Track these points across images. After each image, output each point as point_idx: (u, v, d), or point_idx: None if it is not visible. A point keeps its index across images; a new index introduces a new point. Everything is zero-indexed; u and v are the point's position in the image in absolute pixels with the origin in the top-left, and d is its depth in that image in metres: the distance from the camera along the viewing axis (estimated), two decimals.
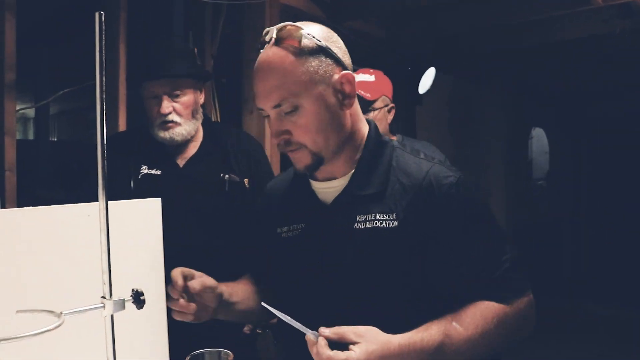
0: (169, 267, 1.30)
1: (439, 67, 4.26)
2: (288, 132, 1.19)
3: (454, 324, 1.13)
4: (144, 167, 1.90)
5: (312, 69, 1.17)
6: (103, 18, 0.84)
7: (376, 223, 1.20)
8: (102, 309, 0.85)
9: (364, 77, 2.32)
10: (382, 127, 2.28)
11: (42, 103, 2.88)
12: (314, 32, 1.20)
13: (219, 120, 2.76)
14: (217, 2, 2.80)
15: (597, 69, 5.36)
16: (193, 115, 1.92)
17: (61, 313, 0.79)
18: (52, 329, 0.75)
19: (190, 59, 2.00)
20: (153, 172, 1.90)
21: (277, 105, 1.17)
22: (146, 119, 1.93)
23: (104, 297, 0.85)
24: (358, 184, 1.24)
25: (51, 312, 0.80)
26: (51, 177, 4.03)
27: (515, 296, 1.19)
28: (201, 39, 2.86)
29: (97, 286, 0.86)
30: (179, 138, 1.88)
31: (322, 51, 1.19)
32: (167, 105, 1.85)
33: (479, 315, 1.15)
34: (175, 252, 1.39)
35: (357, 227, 1.21)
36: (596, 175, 7.57)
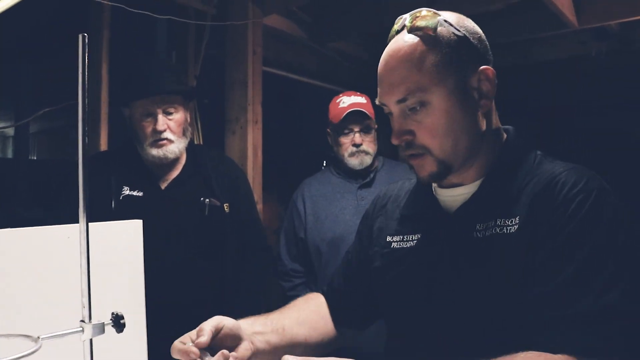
0: (149, 289, 1.29)
1: None
2: (411, 132, 1.05)
3: None
4: (125, 188, 1.89)
5: (446, 60, 1.03)
6: (87, 40, 0.84)
7: (496, 229, 1.02)
8: (81, 333, 0.83)
9: (357, 98, 2.34)
10: (373, 149, 2.34)
11: (22, 122, 2.85)
12: (451, 20, 1.06)
13: (201, 142, 2.76)
14: (199, 23, 2.81)
15: (575, 88, 5.45)
16: (183, 133, 1.93)
17: (38, 337, 0.78)
18: (29, 354, 0.74)
19: (180, 76, 2.01)
20: (135, 193, 1.89)
21: (402, 100, 1.04)
22: (133, 138, 1.92)
23: (83, 321, 0.84)
24: (489, 192, 1.07)
25: (28, 336, 0.78)
26: (30, 196, 3.98)
27: (576, 352, 0.88)
28: (184, 59, 2.87)
29: (76, 309, 0.85)
30: (171, 156, 1.88)
31: (459, 41, 1.05)
32: (162, 122, 1.85)
33: None
34: (155, 273, 1.38)
35: (476, 236, 1.04)
36: None
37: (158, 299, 1.39)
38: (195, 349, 0.98)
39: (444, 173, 1.07)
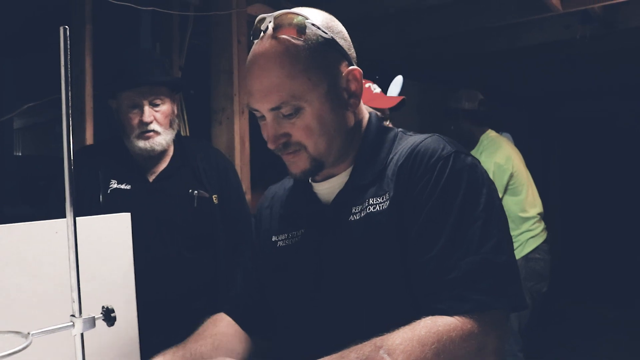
0: (139, 283, 1.28)
1: (406, 74, 4.30)
2: (287, 134, 1.07)
3: (380, 352, 0.92)
4: (113, 181, 1.88)
5: (316, 65, 1.04)
6: (68, 33, 0.82)
7: (369, 208, 1.08)
8: (72, 327, 0.83)
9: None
10: None
11: (6, 117, 2.82)
12: (317, 21, 1.06)
13: (187, 134, 2.74)
14: (184, 14, 2.78)
15: (560, 72, 5.48)
16: (170, 125, 1.91)
17: (29, 333, 0.77)
18: (20, 351, 0.73)
19: (166, 68, 2.00)
20: (122, 186, 1.88)
21: (276, 108, 1.04)
22: (120, 131, 1.91)
23: (73, 316, 0.83)
24: (359, 176, 1.12)
25: (18, 332, 0.78)
26: (16, 192, 3.95)
27: (467, 310, 0.95)
28: (168, 50, 2.84)
29: (66, 304, 0.84)
30: (159, 148, 1.87)
31: (327, 44, 1.06)
32: (149, 114, 1.84)
33: (416, 340, 0.92)
34: (145, 267, 1.37)
35: (352, 218, 1.09)
36: (565, 175, 7.70)
37: (149, 293, 1.38)
38: None
39: (317, 170, 1.11)
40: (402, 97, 2.30)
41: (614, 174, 7.06)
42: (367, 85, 2.32)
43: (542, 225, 3.16)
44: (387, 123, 2.29)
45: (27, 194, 3.89)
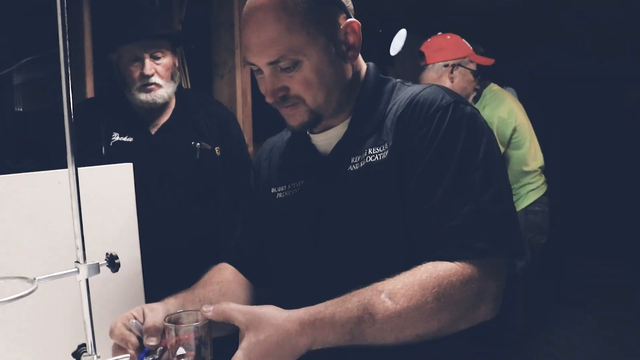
0: (143, 235, 1.29)
1: (409, 28, 4.24)
2: (285, 87, 1.06)
3: (382, 296, 0.94)
4: (115, 134, 1.88)
5: (314, 18, 1.03)
6: None
7: (368, 158, 1.08)
8: (77, 273, 0.84)
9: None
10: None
11: (5, 72, 2.79)
12: None
13: (189, 87, 2.72)
14: None
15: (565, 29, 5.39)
16: (172, 78, 1.91)
17: (34, 279, 0.78)
18: (26, 295, 0.74)
19: (167, 20, 1.97)
20: (125, 139, 1.88)
21: (274, 62, 1.03)
22: (121, 84, 1.90)
23: (77, 262, 0.84)
24: (357, 127, 1.12)
25: (24, 278, 0.79)
26: (18, 148, 3.94)
27: (467, 257, 0.97)
28: (169, 4, 2.79)
29: (71, 252, 0.85)
30: (160, 100, 1.86)
31: None
32: (150, 67, 1.83)
33: (417, 284, 0.94)
34: (148, 220, 1.38)
35: (351, 169, 1.09)
36: (566, 129, 7.66)
37: (151, 245, 1.40)
38: (135, 340, 0.98)
39: (315, 122, 1.11)
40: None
41: (615, 131, 7.03)
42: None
43: (542, 179, 3.16)
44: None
45: (28, 150, 3.88)
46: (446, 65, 2.61)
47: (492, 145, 1.05)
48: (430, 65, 2.64)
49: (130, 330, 1.00)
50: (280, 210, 1.20)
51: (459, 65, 2.63)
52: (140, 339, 1.00)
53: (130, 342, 0.97)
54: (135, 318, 1.03)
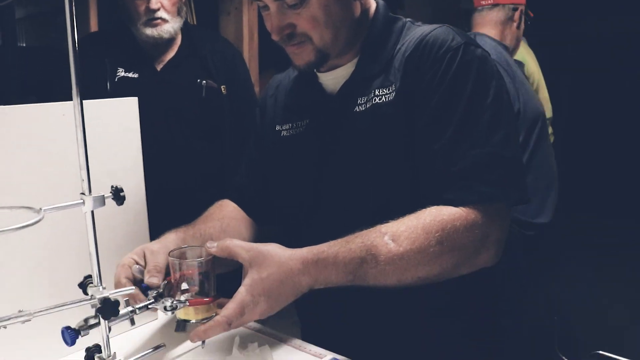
0: (148, 172, 1.28)
1: None
2: (292, 25, 1.05)
3: (385, 238, 0.94)
4: (120, 70, 1.86)
5: None
6: None
7: (375, 99, 1.06)
8: (82, 205, 0.84)
9: None
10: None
11: (4, 3, 2.74)
12: None
13: (194, 23, 2.67)
14: None
15: None
16: (178, 13, 1.87)
17: (40, 209, 0.78)
18: (32, 224, 0.74)
19: None
20: (130, 75, 1.86)
21: None
22: (126, 18, 1.86)
23: (83, 194, 0.84)
24: (365, 67, 1.10)
25: (30, 208, 0.79)
26: (22, 84, 3.91)
27: (472, 201, 0.96)
28: None
29: (76, 185, 0.85)
30: (166, 35, 1.83)
31: None
32: (156, 0, 1.79)
33: (421, 227, 0.94)
34: (153, 156, 1.37)
35: (358, 109, 1.08)
36: (575, 82, 7.56)
37: (157, 181, 1.40)
38: (142, 297, 0.97)
39: (321, 62, 1.09)
40: None
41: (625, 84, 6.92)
42: None
43: (550, 130, 3.13)
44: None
45: (32, 85, 3.85)
46: (515, 9, 2.30)
47: (501, 88, 1.04)
48: (498, 6, 2.32)
49: (134, 277, 1.01)
50: (285, 148, 1.20)
51: (524, 12, 2.35)
52: (142, 280, 1.01)
53: (139, 299, 0.96)
54: (137, 262, 1.03)
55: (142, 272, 1.02)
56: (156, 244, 1.08)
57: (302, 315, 1.29)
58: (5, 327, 0.77)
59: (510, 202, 1.03)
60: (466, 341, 1.13)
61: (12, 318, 0.78)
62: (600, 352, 1.64)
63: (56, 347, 0.99)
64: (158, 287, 0.98)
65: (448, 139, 0.99)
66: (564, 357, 1.72)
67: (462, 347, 1.13)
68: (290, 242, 0.98)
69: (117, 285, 1.00)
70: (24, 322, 0.78)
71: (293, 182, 1.19)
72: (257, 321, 1.17)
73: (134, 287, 0.96)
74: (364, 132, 1.07)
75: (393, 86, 1.05)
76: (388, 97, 1.05)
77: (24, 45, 5.56)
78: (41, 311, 0.80)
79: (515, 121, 1.08)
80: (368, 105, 1.07)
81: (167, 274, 1.01)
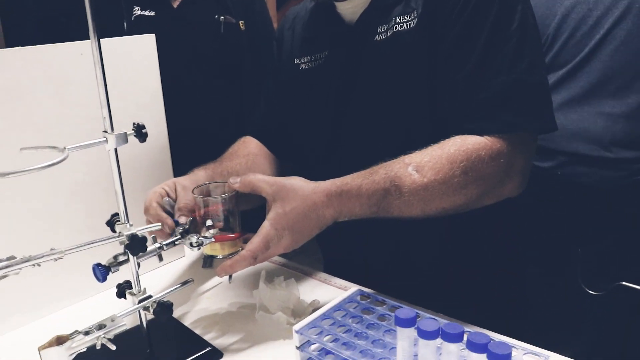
0: (168, 111, 1.28)
1: None
2: None
3: (409, 168, 0.93)
4: (136, 8, 1.82)
5: None
6: None
7: (396, 27, 1.03)
8: (105, 143, 0.84)
9: None
10: None
11: None
12: None
13: None
14: None
15: None
16: None
17: (65, 148, 0.78)
18: (58, 163, 0.75)
19: None
20: (146, 13, 1.82)
21: None
22: None
23: (105, 132, 0.84)
24: None
25: (54, 147, 0.79)
26: (38, 26, 3.89)
27: (497, 130, 0.94)
28: None
29: (98, 125, 0.85)
30: None
31: None
32: None
33: (445, 158, 0.93)
34: (173, 95, 1.36)
35: (378, 38, 1.05)
36: None
37: (177, 120, 1.39)
38: (171, 222, 0.98)
39: None
40: None
41: None
42: None
43: None
44: None
45: (48, 31, 3.83)
46: None
47: (527, 12, 0.99)
48: None
49: (164, 208, 1.02)
50: (304, 81, 1.18)
51: None
52: (171, 214, 1.02)
53: (167, 224, 0.98)
54: (168, 195, 1.04)
55: (172, 206, 1.03)
56: (187, 180, 1.09)
57: (325, 250, 1.31)
58: (39, 265, 0.79)
59: (535, 131, 1.01)
60: (489, 273, 1.14)
61: (45, 256, 0.80)
62: (624, 282, 1.64)
63: (89, 284, 1.02)
64: (185, 223, 0.99)
65: (472, 67, 0.97)
66: (587, 289, 1.72)
67: (485, 279, 1.13)
68: (313, 177, 0.98)
69: (147, 209, 1.01)
70: (56, 259, 0.80)
71: (313, 116, 1.18)
72: (282, 256, 1.18)
73: (160, 224, 0.97)
74: (385, 61, 1.04)
75: (415, 12, 1.02)
76: (410, 24, 1.02)
77: None
78: (72, 249, 0.82)
79: (540, 46, 1.04)
80: (389, 34, 1.04)
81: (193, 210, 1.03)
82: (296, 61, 1.21)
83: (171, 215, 1.01)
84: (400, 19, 1.03)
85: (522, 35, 0.97)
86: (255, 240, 0.92)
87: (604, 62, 1.58)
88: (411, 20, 1.02)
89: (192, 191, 1.01)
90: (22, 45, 1.04)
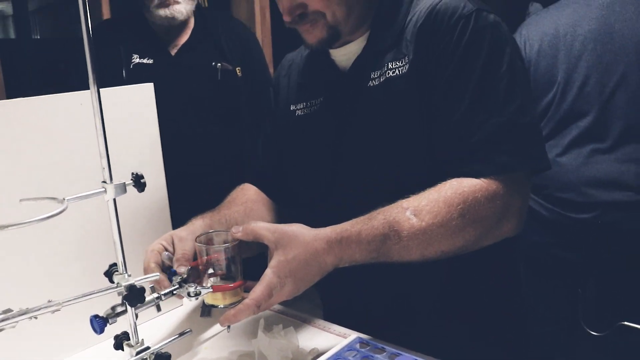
0: (166, 157, 1.28)
1: None
2: (303, 5, 1.04)
3: (407, 213, 0.94)
4: (135, 56, 1.85)
5: None
6: None
7: (388, 73, 1.04)
8: (104, 193, 0.84)
9: None
10: None
11: None
12: None
13: (206, 5, 2.65)
14: None
15: None
16: None
17: (64, 199, 0.78)
18: (57, 214, 0.75)
19: None
20: (145, 61, 1.85)
21: None
22: (139, 2, 1.85)
23: (104, 182, 0.84)
24: (376, 40, 1.08)
25: (54, 198, 0.79)
26: (38, 76, 3.94)
27: (492, 172, 0.95)
28: None
29: (97, 173, 0.85)
30: (179, 17, 1.82)
31: None
32: None
33: (442, 201, 0.93)
34: (171, 142, 1.37)
35: (372, 84, 1.06)
36: None
37: (175, 167, 1.40)
38: (167, 284, 0.96)
39: (333, 39, 1.08)
40: None
41: None
42: None
43: None
44: None
45: (50, 77, 3.87)
46: None
47: (516, 55, 1.01)
48: None
49: (164, 263, 1.02)
50: (300, 127, 1.19)
51: None
52: (172, 267, 1.02)
53: (163, 286, 0.97)
54: (166, 249, 1.04)
55: (171, 259, 1.03)
56: (184, 231, 1.09)
57: (325, 296, 1.29)
58: (36, 318, 0.78)
59: (529, 170, 1.02)
60: (489, 316, 1.13)
61: (42, 308, 0.78)
62: (626, 323, 1.62)
63: (85, 336, 1.00)
64: (183, 273, 0.98)
65: (464, 110, 0.98)
66: (588, 330, 1.71)
67: (486, 321, 1.12)
68: (311, 222, 0.98)
69: (147, 270, 1.01)
70: (53, 312, 0.79)
71: (310, 161, 1.18)
72: (281, 303, 1.17)
73: (158, 274, 0.96)
74: (379, 106, 1.05)
75: (406, 58, 1.03)
76: (401, 69, 1.03)
77: (38, 37, 5.59)
78: (70, 300, 0.81)
79: (530, 87, 1.06)
80: (382, 80, 1.05)
81: (194, 258, 1.02)
82: (292, 107, 1.22)
83: (171, 268, 1.00)
84: (392, 65, 1.05)
85: (511, 77, 0.98)
86: (259, 289, 0.91)
87: (621, 108, 1.60)
88: (403, 65, 1.03)
89: (195, 239, 1.01)
90: (22, 93, 1.04)
